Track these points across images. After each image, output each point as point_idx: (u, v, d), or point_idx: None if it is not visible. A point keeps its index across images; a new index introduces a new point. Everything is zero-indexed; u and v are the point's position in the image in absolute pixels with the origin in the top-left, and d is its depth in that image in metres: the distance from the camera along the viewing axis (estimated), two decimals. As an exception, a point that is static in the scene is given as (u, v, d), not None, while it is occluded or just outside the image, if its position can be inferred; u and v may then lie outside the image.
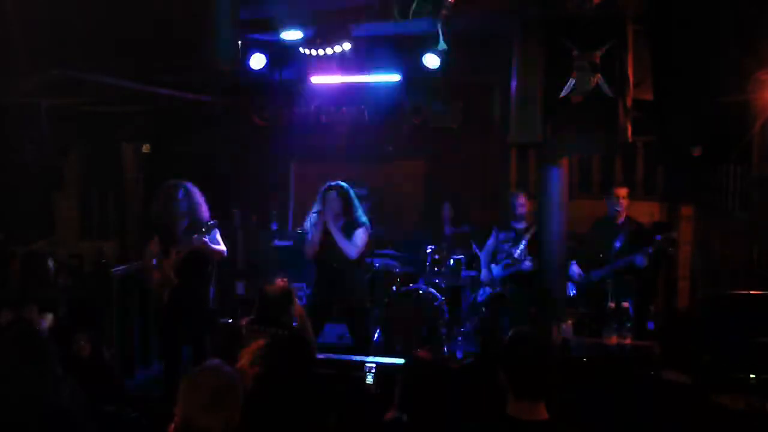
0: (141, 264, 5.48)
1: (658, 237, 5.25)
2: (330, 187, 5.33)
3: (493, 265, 5.94)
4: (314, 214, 5.30)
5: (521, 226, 5.82)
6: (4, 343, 2.94)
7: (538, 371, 2.30)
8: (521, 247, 5.73)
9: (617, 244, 5.31)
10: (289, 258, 7.32)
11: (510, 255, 5.78)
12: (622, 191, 5.45)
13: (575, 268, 5.51)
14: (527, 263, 5.63)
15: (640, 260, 5.21)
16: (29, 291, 4.74)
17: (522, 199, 5.81)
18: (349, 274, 5.33)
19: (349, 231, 5.25)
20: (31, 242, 6.39)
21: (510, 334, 2.44)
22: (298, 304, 4.16)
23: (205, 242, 4.86)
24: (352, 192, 5.40)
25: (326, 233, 5.26)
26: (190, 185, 5.06)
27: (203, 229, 4.86)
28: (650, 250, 5.20)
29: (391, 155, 8.01)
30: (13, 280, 5.21)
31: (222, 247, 5.05)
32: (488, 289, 6.00)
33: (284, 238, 7.82)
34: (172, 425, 2.30)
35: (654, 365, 4.01)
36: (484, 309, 6.03)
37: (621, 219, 5.41)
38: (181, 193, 4.98)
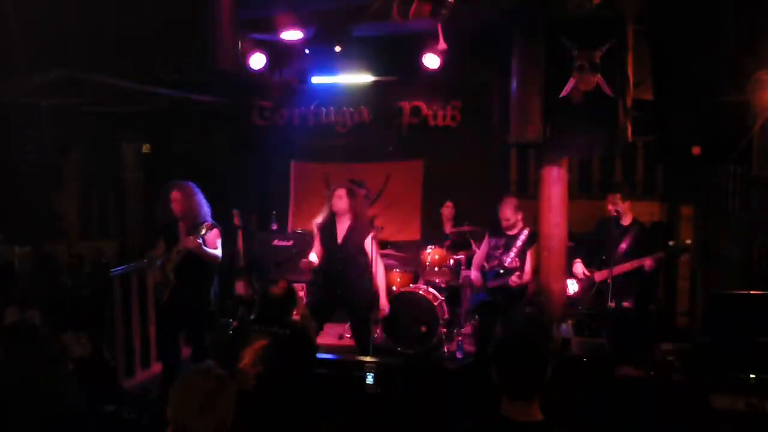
0: (144, 265, 5.48)
1: (671, 243, 5.23)
2: (338, 187, 5.35)
3: (481, 272, 5.75)
4: (320, 216, 5.32)
5: (512, 231, 5.59)
6: (5, 342, 2.94)
7: (530, 372, 2.29)
8: (512, 254, 5.52)
9: (623, 246, 5.30)
10: (289, 258, 7.31)
11: (501, 264, 5.56)
12: (615, 197, 5.31)
13: (579, 267, 5.47)
14: (515, 278, 5.40)
15: (649, 264, 5.16)
16: (37, 292, 4.75)
17: (508, 211, 5.47)
18: (354, 275, 5.32)
19: (355, 231, 5.26)
20: (32, 242, 6.39)
21: (502, 335, 2.44)
22: (302, 305, 4.15)
23: (200, 244, 4.84)
24: (359, 193, 5.41)
25: (333, 233, 5.27)
26: (191, 185, 5.06)
27: (200, 230, 4.86)
28: (662, 256, 5.18)
29: (391, 155, 8.00)
30: (23, 280, 5.21)
31: (217, 252, 5.00)
32: (481, 296, 5.76)
33: (284, 238, 7.81)
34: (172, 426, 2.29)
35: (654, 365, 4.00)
36: (476, 316, 5.93)
37: (627, 220, 5.38)
38: (182, 194, 4.98)
